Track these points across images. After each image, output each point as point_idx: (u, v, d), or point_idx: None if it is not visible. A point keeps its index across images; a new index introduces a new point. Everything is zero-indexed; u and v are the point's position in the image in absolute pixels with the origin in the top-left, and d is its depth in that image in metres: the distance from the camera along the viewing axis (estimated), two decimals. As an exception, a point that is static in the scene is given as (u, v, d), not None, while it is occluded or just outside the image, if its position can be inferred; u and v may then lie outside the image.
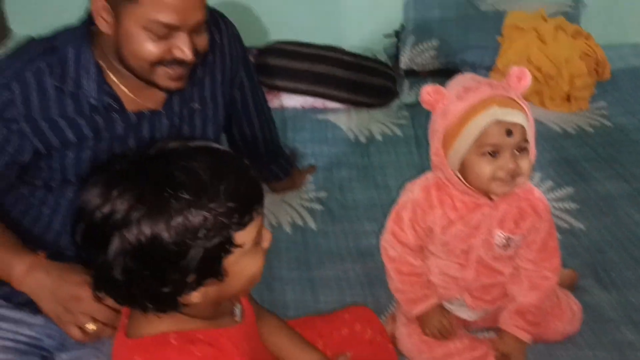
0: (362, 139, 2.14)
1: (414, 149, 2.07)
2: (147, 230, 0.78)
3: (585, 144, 2.03)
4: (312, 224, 1.75)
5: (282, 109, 2.28)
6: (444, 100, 1.18)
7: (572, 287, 1.47)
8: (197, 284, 0.83)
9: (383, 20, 2.60)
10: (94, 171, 0.87)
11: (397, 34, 2.53)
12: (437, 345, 1.30)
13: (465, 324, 1.38)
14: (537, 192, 1.28)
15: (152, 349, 0.87)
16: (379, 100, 2.32)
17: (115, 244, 0.79)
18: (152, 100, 1.24)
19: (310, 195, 1.87)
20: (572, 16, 2.41)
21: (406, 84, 2.39)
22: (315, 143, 2.13)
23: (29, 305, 1.18)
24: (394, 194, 1.85)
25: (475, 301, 1.33)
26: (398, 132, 2.17)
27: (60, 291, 1.10)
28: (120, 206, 0.79)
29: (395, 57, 2.49)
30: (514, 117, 1.12)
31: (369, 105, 2.32)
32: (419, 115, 2.26)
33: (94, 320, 1.11)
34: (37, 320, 1.21)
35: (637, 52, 2.51)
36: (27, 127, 1.15)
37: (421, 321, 1.32)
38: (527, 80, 1.17)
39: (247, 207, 0.84)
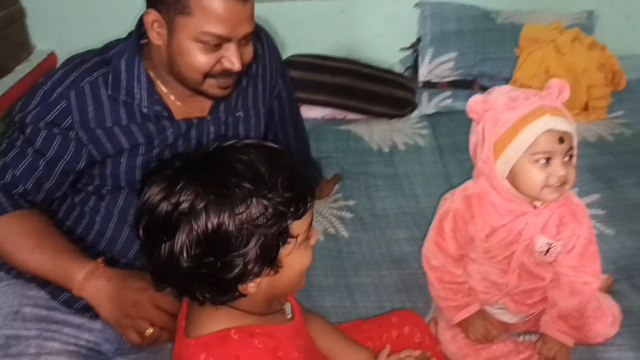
0: (386, 149, 2.17)
1: (437, 159, 2.10)
2: (213, 217, 0.82)
3: (608, 152, 2.06)
4: (344, 232, 1.76)
5: (304, 120, 2.30)
6: (493, 110, 1.21)
7: (607, 291, 1.49)
8: (255, 274, 0.86)
9: (399, 34, 2.64)
10: (153, 171, 0.89)
11: (414, 47, 2.57)
12: (482, 349, 1.31)
13: (506, 327, 1.40)
14: (575, 199, 1.30)
15: (215, 345, 0.89)
16: (399, 111, 2.35)
17: (182, 233, 0.82)
18: (199, 108, 1.28)
19: (339, 203, 1.88)
20: (586, 28, 2.45)
21: (425, 95, 2.42)
22: (339, 153, 2.15)
23: (88, 310, 1.19)
24: (422, 203, 1.88)
25: (517, 305, 1.35)
26: (420, 142, 2.20)
27: (121, 297, 1.12)
28: (186, 197, 0.83)
29: (413, 69, 2.53)
30: (565, 125, 1.16)
31: (389, 116, 2.35)
32: (439, 125, 2.30)
33: (152, 325, 1.12)
34: (96, 325, 1.23)
35: (650, 62, 2.55)
36: (84, 135, 1.18)
37: (464, 327, 1.33)
38: (567, 92, 1.21)
39: (302, 198, 0.88)
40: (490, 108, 1.21)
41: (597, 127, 2.21)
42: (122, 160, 1.23)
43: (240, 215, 0.82)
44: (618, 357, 1.32)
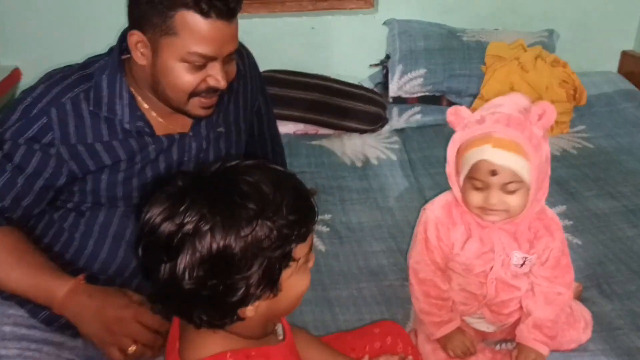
0: (358, 163, 2.20)
1: (409, 172, 2.14)
2: (219, 239, 0.80)
3: (572, 165, 2.14)
4: (321, 246, 1.78)
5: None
6: (462, 123, 1.26)
7: (578, 298, 1.54)
8: (257, 297, 0.85)
9: (368, 51, 2.69)
10: (153, 189, 0.88)
11: (383, 63, 2.62)
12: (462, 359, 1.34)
13: (484, 336, 1.43)
14: (549, 212, 1.35)
15: None
16: (370, 126, 2.39)
17: (185, 254, 0.81)
18: (180, 124, 1.28)
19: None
20: (547, 46, 2.54)
21: (395, 110, 2.47)
22: (312, 167, 2.17)
23: (68, 328, 1.17)
24: (397, 215, 1.91)
25: (494, 315, 1.38)
26: (392, 156, 2.24)
27: (104, 313, 1.10)
28: (190, 217, 0.81)
29: (383, 85, 2.58)
30: (503, 160, 1.18)
31: (361, 131, 2.39)
32: (410, 140, 2.35)
33: (135, 342, 1.11)
34: (77, 343, 1.21)
35: (608, 79, 2.67)
36: (65, 151, 1.17)
37: (443, 342, 1.36)
38: (549, 117, 1.21)
39: (306, 221, 0.87)
40: (461, 121, 1.26)
41: (561, 141, 2.30)
42: (103, 176, 1.21)
43: (245, 238, 0.81)
44: (590, 361, 1.37)
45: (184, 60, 1.12)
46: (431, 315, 1.35)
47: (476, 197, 1.24)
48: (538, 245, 1.31)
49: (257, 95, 1.49)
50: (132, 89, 1.22)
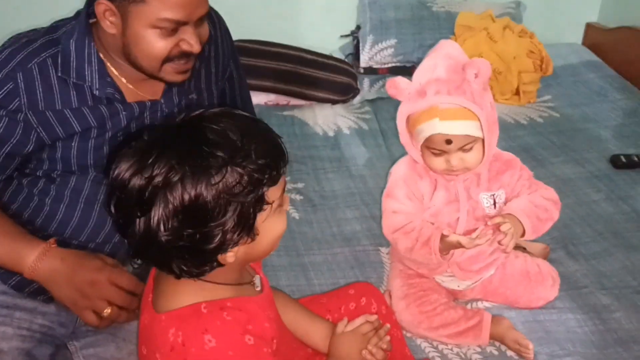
0: (331, 133, 2.20)
1: (381, 141, 2.15)
2: (190, 189, 0.81)
3: (538, 133, 2.18)
4: (294, 214, 1.79)
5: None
6: (404, 94, 1.30)
7: (545, 259, 1.59)
8: (234, 243, 0.86)
9: (338, 21, 2.68)
10: (120, 146, 0.88)
11: (354, 34, 2.62)
12: (434, 316, 1.37)
13: (455, 295, 1.47)
14: (506, 154, 1.41)
15: (186, 319, 0.89)
16: (342, 97, 2.39)
17: (158, 207, 0.81)
18: (151, 91, 1.26)
19: (288, 186, 1.90)
20: (515, 17, 2.57)
21: (366, 81, 2.47)
22: (284, 137, 2.14)
23: (40, 293, 1.15)
24: (369, 183, 1.93)
25: (464, 272, 1.42)
26: (364, 126, 2.25)
27: (77, 277, 1.09)
28: (159, 170, 0.81)
29: (354, 56, 2.58)
30: (454, 129, 1.24)
31: (332, 102, 2.39)
32: (381, 110, 2.36)
33: (110, 304, 1.10)
34: (50, 309, 1.19)
35: (573, 50, 2.71)
36: (33, 117, 1.14)
37: (450, 245, 1.31)
38: (484, 74, 1.25)
39: (276, 164, 0.88)
40: (401, 93, 1.30)
41: (528, 110, 2.34)
42: (73, 143, 1.19)
43: (216, 185, 0.81)
44: (558, 318, 1.42)
45: (154, 27, 1.10)
46: (417, 246, 1.34)
47: (437, 162, 1.30)
48: (502, 179, 1.37)
49: (229, 61, 1.47)
50: (101, 55, 1.18)
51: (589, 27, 2.82)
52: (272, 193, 0.87)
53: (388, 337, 1.18)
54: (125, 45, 1.13)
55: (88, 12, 1.18)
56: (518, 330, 1.36)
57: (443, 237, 1.30)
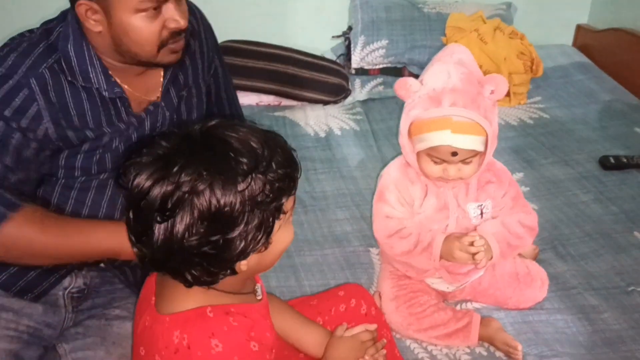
0: (322, 134, 2.21)
1: (372, 142, 2.16)
2: (218, 195, 0.81)
3: (528, 134, 2.19)
4: (285, 214, 1.79)
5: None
6: (413, 97, 1.29)
7: (534, 260, 1.60)
8: (252, 250, 0.86)
9: (329, 22, 2.68)
10: (132, 154, 0.87)
11: (345, 35, 2.62)
12: (423, 317, 1.38)
13: (444, 296, 1.47)
14: (498, 164, 1.41)
15: (191, 321, 0.89)
16: (333, 98, 2.39)
17: (185, 213, 0.81)
18: (145, 89, 1.25)
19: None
20: (505, 18, 2.59)
21: (357, 81, 2.48)
22: (276, 139, 2.16)
23: (27, 292, 1.15)
24: (360, 184, 1.93)
25: (452, 276, 1.42)
26: (355, 126, 2.25)
27: None
28: (187, 177, 0.81)
29: (345, 56, 2.58)
30: (464, 143, 1.24)
31: (324, 102, 2.39)
32: (372, 111, 2.36)
33: None
34: (36, 309, 1.19)
35: (563, 52, 2.73)
36: (53, 129, 1.14)
37: (447, 256, 1.33)
38: (500, 92, 1.25)
39: (294, 175, 0.90)
40: (411, 94, 1.29)
41: (518, 111, 2.35)
42: (80, 151, 1.19)
43: (243, 192, 0.82)
44: (547, 319, 1.43)
45: (138, 11, 1.09)
46: (418, 246, 1.35)
47: (434, 169, 1.30)
48: (489, 189, 1.37)
49: (214, 56, 1.47)
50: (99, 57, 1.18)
51: (579, 28, 2.84)
52: (288, 203, 0.89)
53: (384, 351, 1.19)
54: (115, 38, 1.12)
55: (75, 15, 1.17)
56: (507, 332, 1.37)
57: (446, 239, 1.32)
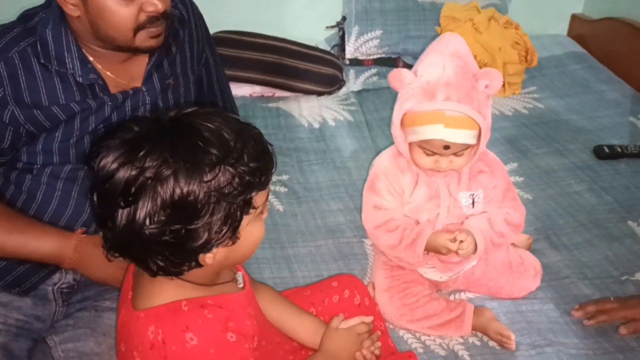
0: (316, 125, 2.19)
1: (366, 133, 2.15)
2: (182, 184, 0.80)
3: (523, 124, 2.19)
4: (279, 206, 1.78)
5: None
6: (407, 88, 1.28)
7: (528, 249, 1.59)
8: (217, 244, 0.85)
9: (324, 12, 2.66)
10: (104, 137, 0.87)
11: (339, 25, 2.61)
12: (416, 308, 1.38)
13: (437, 286, 1.47)
14: (491, 154, 1.41)
15: (166, 316, 0.88)
16: (327, 88, 2.38)
17: (147, 199, 0.80)
18: (129, 76, 1.25)
19: (273, 178, 1.87)
20: (500, 8, 2.57)
21: (352, 72, 2.46)
22: (269, 129, 2.16)
23: (15, 286, 1.15)
24: (354, 175, 1.93)
25: (444, 265, 1.43)
26: (349, 117, 2.24)
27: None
28: (151, 162, 0.80)
29: (339, 47, 2.57)
30: (457, 137, 1.24)
31: (318, 93, 2.38)
32: (366, 101, 2.35)
33: None
34: (25, 302, 1.19)
35: (558, 41, 2.72)
36: (19, 113, 1.13)
37: (432, 250, 1.35)
38: (494, 86, 1.25)
39: (267, 169, 0.88)
40: (405, 86, 1.28)
41: (513, 101, 2.34)
42: (57, 134, 1.18)
43: (209, 183, 0.80)
44: (540, 308, 1.43)
45: None
46: (403, 241, 1.36)
47: (425, 160, 1.30)
48: (481, 180, 1.36)
49: (204, 46, 1.45)
50: (79, 43, 1.17)
51: (574, 18, 2.83)
52: (259, 197, 0.87)
53: (380, 343, 1.18)
54: (92, 23, 1.11)
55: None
56: (500, 321, 1.37)
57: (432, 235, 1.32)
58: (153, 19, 1.12)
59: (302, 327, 1.18)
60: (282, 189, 1.85)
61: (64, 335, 1.16)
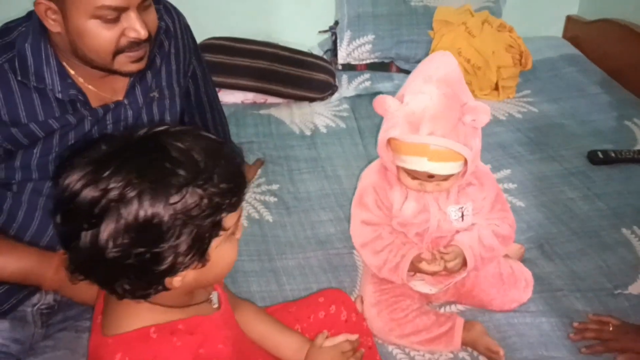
0: (307, 132, 2.17)
1: (358, 140, 2.13)
2: (146, 206, 0.77)
3: (516, 129, 2.16)
4: (268, 216, 1.76)
5: (222, 105, 2.26)
6: (391, 115, 1.25)
7: (520, 259, 1.57)
8: (185, 267, 0.83)
9: (316, 17, 2.64)
10: (71, 155, 0.84)
11: (332, 30, 2.58)
12: (405, 322, 1.36)
13: (427, 298, 1.45)
14: (481, 166, 1.38)
15: (134, 344, 0.86)
16: (319, 94, 2.36)
17: (110, 221, 0.77)
18: (111, 89, 1.23)
19: (263, 188, 1.87)
20: (493, 10, 2.55)
21: (344, 77, 2.44)
22: (260, 137, 2.14)
23: None
24: (345, 184, 1.90)
25: (434, 277, 1.40)
26: (341, 124, 2.22)
27: None
28: (116, 183, 0.77)
29: (332, 52, 2.54)
30: (441, 170, 1.22)
31: (310, 99, 2.35)
32: (359, 107, 2.32)
33: None
34: (3, 325, 1.17)
35: (551, 44, 2.69)
36: None
37: (415, 270, 1.35)
38: (481, 121, 1.21)
39: (238, 190, 0.85)
40: (388, 114, 1.25)
41: (507, 105, 2.32)
42: (35, 150, 1.16)
43: (174, 205, 0.78)
44: (532, 322, 1.40)
45: (94, 17, 1.06)
46: (388, 263, 1.35)
47: (412, 183, 1.29)
48: (469, 191, 1.34)
49: (191, 58, 1.43)
50: (59, 57, 1.15)
51: (569, 20, 2.80)
52: (229, 219, 0.85)
53: None
54: (72, 42, 1.09)
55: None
56: (491, 335, 1.35)
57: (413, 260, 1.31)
58: (134, 44, 1.11)
59: (285, 344, 1.15)
60: (272, 199, 1.83)
61: (43, 356, 1.14)
